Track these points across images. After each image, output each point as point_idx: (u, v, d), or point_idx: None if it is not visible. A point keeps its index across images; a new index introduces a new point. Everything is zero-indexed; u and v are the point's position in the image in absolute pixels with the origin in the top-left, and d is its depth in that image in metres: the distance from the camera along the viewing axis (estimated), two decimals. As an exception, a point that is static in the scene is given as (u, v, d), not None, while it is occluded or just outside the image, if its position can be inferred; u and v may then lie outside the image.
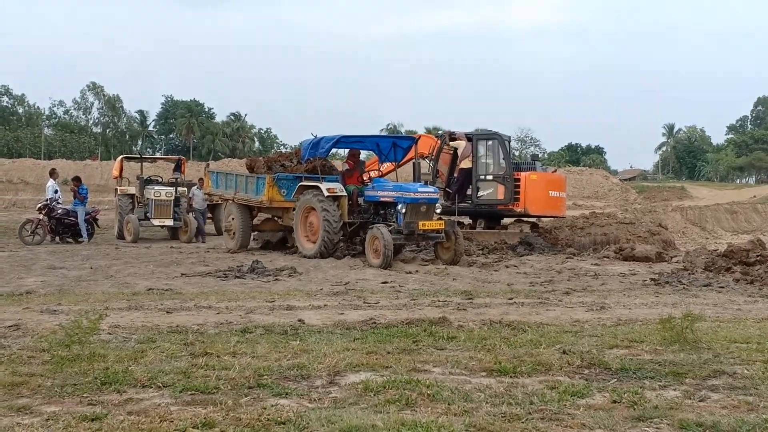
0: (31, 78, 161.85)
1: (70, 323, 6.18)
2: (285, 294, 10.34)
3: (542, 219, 21.23)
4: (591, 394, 5.11)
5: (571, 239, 19.17)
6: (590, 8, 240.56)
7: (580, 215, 22.42)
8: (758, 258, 13.97)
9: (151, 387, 5.10)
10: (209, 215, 23.05)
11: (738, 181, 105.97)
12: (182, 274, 12.81)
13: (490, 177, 19.96)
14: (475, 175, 20.06)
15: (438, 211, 15.29)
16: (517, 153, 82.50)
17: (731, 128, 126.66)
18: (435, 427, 4.23)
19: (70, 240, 19.87)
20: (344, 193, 15.70)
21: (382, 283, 11.97)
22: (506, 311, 8.98)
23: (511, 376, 5.57)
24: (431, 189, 15.63)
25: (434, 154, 20.79)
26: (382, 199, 15.41)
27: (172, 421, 4.32)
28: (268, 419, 4.37)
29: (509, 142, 21.07)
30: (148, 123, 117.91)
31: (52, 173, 21.31)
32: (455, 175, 20.69)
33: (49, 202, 19.66)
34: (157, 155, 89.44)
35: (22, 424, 4.27)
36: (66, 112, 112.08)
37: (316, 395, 4.98)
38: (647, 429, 4.40)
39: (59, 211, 19.75)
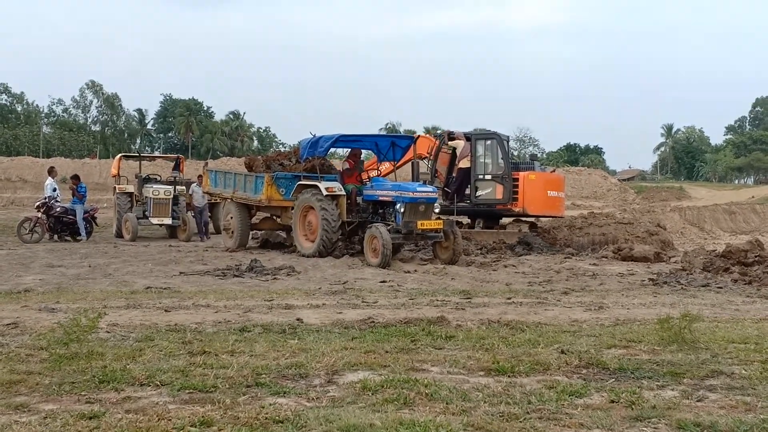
0: (31, 76, 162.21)
1: (69, 321, 6.18)
2: (283, 293, 10.34)
3: (541, 219, 21.26)
4: (589, 393, 5.11)
5: (570, 239, 19.19)
6: (590, 8, 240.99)
7: (579, 215, 22.46)
8: (756, 258, 13.98)
9: (149, 385, 5.10)
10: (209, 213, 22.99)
11: (736, 181, 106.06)
12: (181, 273, 12.81)
13: (488, 177, 19.97)
14: (474, 174, 20.07)
15: (437, 210, 15.29)
16: (515, 153, 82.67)
17: (730, 129, 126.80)
18: (433, 426, 4.23)
19: (68, 238, 19.85)
20: (343, 193, 15.70)
21: (381, 282, 11.97)
22: (504, 311, 8.98)
23: (509, 376, 5.57)
24: (430, 188, 15.62)
25: (433, 153, 20.81)
26: (380, 198, 15.41)
27: (170, 420, 4.31)
28: (266, 418, 4.37)
29: (508, 142, 21.09)
30: (146, 121, 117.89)
31: (51, 171, 21.27)
32: (454, 174, 20.70)
33: (47, 200, 19.64)
34: (156, 154, 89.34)
35: (20, 422, 4.27)
36: (65, 110, 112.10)
37: (315, 394, 4.98)
38: (645, 429, 4.41)
39: (58, 209, 19.73)
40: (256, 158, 19.95)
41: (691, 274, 13.76)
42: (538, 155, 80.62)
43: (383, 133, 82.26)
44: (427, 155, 20.74)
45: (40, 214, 19.55)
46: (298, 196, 16.30)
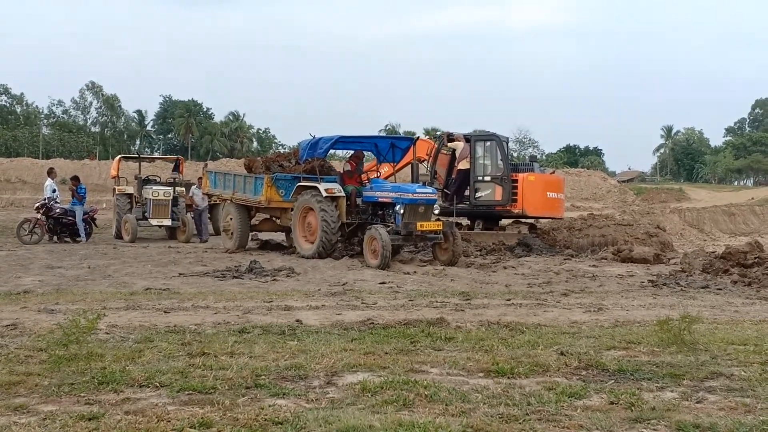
0: (31, 77, 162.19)
1: (68, 323, 6.18)
2: (283, 294, 10.33)
3: (540, 220, 21.24)
4: (588, 395, 5.11)
5: (569, 241, 19.18)
6: (590, 9, 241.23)
7: (578, 217, 22.44)
8: (756, 260, 13.99)
9: (149, 387, 5.10)
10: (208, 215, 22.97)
11: (736, 183, 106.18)
12: (180, 274, 12.80)
13: (488, 178, 19.97)
14: (473, 176, 20.06)
15: (436, 211, 15.30)
16: (515, 154, 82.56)
17: (729, 130, 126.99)
18: (432, 427, 4.23)
19: (68, 239, 19.84)
20: (342, 194, 15.70)
21: (380, 283, 11.96)
22: (504, 312, 8.98)
23: (508, 377, 5.57)
24: (429, 190, 15.63)
25: (432, 155, 20.81)
26: (380, 199, 15.42)
27: (169, 421, 4.32)
28: (265, 419, 4.37)
29: (507, 143, 21.08)
30: (146, 123, 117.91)
31: (50, 173, 21.27)
32: (453, 176, 20.70)
33: (47, 201, 19.64)
34: (156, 155, 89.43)
35: (19, 423, 4.27)
36: (65, 111, 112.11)
37: (314, 395, 4.98)
38: (644, 430, 4.41)
39: (57, 210, 19.73)
40: (256, 159, 19.94)
41: (691, 275, 13.76)
42: (538, 156, 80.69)
43: (383, 134, 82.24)
44: (427, 158, 20.74)
45: (39, 216, 19.54)
46: (297, 197, 16.30)
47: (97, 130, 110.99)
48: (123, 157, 25.91)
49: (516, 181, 19.64)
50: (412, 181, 16.52)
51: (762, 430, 4.37)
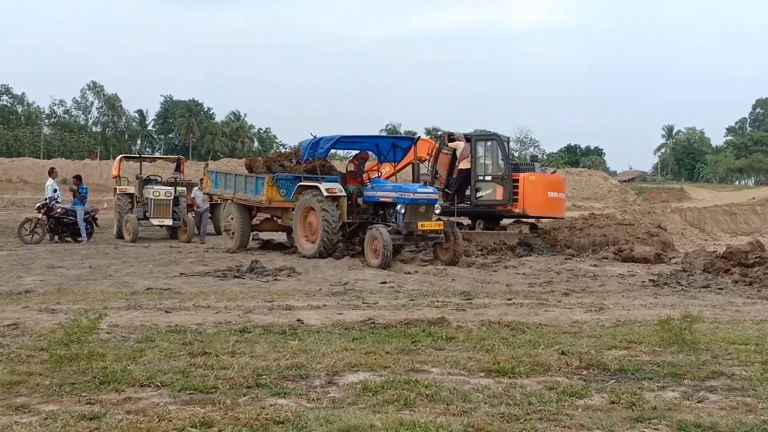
0: (32, 78, 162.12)
1: (69, 322, 6.18)
2: (284, 294, 10.33)
3: (541, 220, 21.24)
4: (589, 394, 5.11)
5: (570, 240, 19.18)
6: (590, 9, 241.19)
7: (579, 216, 22.44)
8: (757, 260, 13.98)
9: (150, 386, 5.10)
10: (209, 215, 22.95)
11: (737, 182, 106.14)
12: (181, 274, 12.81)
13: (488, 178, 19.97)
14: (474, 175, 20.06)
15: (437, 211, 15.29)
16: (516, 154, 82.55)
17: (730, 130, 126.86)
18: (433, 427, 4.23)
19: (69, 239, 19.85)
20: (343, 194, 15.71)
21: (381, 283, 11.97)
22: (505, 312, 8.98)
23: (509, 377, 5.57)
24: (430, 189, 15.63)
25: (433, 155, 20.81)
26: (381, 199, 15.42)
27: (170, 421, 4.32)
28: (266, 419, 4.37)
29: (508, 143, 21.08)
30: (147, 123, 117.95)
31: (51, 172, 21.28)
32: (454, 176, 20.70)
33: (48, 201, 19.65)
34: (157, 155, 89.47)
35: (20, 423, 4.28)
36: (66, 111, 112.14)
37: (315, 395, 4.98)
38: (645, 430, 4.41)
39: (58, 210, 19.74)
40: (257, 159, 19.96)
41: (692, 275, 13.76)
42: (539, 156, 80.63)
43: (384, 134, 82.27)
44: (427, 158, 20.73)
45: (40, 215, 19.56)
46: (298, 197, 16.31)
47: (98, 130, 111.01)
48: (124, 156, 25.91)
49: (517, 180, 19.64)
50: (413, 181, 16.51)
51: (763, 429, 4.36)
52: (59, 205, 19.93)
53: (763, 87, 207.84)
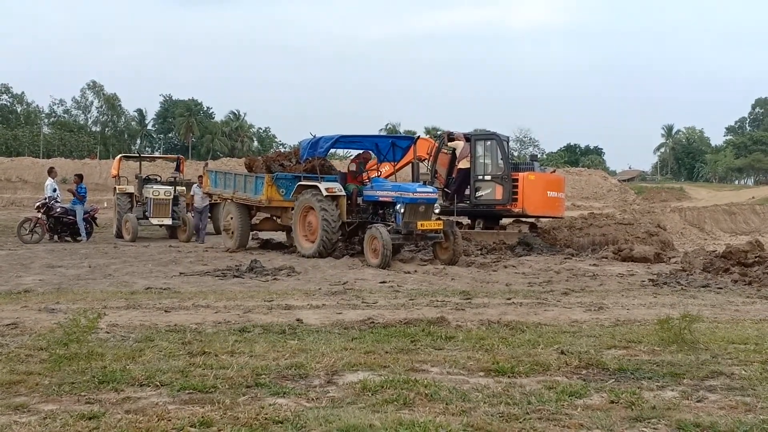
0: (31, 77, 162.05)
1: (69, 322, 6.18)
2: (283, 293, 10.33)
3: (541, 219, 21.24)
4: (589, 394, 5.11)
5: (570, 240, 19.19)
6: (590, 9, 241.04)
7: (579, 216, 22.44)
8: (756, 259, 13.98)
9: (149, 386, 5.10)
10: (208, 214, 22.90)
11: (736, 182, 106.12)
12: (181, 273, 12.81)
13: (488, 177, 19.96)
14: (474, 175, 20.06)
15: (436, 211, 15.29)
16: (515, 153, 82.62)
17: (730, 129, 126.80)
18: (433, 426, 4.24)
19: (68, 239, 19.86)
20: (343, 193, 15.71)
21: (381, 282, 11.97)
22: (504, 311, 8.98)
23: (509, 376, 5.57)
24: (430, 189, 15.62)
25: (432, 154, 20.80)
26: (380, 198, 15.42)
27: (169, 420, 4.32)
28: (265, 418, 4.37)
29: (507, 143, 21.07)
30: (146, 122, 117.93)
31: (51, 172, 21.28)
32: (453, 175, 20.69)
33: (47, 200, 19.65)
34: (156, 154, 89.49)
35: (19, 423, 4.28)
36: (66, 111, 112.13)
37: (314, 394, 4.98)
38: (645, 429, 4.41)
39: (58, 209, 19.74)
40: (257, 159, 19.94)
41: (691, 274, 13.76)
42: (538, 156, 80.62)
43: (383, 133, 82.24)
44: (427, 157, 20.73)
45: (40, 215, 19.56)
46: (298, 196, 16.30)
47: (98, 129, 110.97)
48: (124, 156, 25.91)
49: (516, 180, 19.64)
50: (413, 181, 16.51)
51: (762, 429, 4.37)
52: (59, 204, 19.93)
53: (762, 86, 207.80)
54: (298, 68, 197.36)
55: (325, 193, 15.51)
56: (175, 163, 25.73)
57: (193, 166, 46.96)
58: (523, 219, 20.83)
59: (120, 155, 26.32)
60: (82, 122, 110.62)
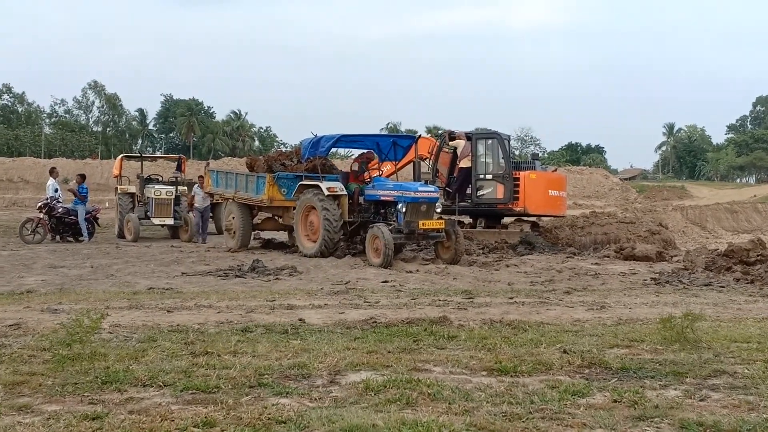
0: (32, 77, 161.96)
1: (71, 322, 6.17)
2: (285, 293, 10.34)
3: (542, 218, 21.23)
4: (591, 393, 5.11)
5: (572, 239, 19.18)
6: (589, 9, 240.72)
7: (581, 215, 22.41)
8: (758, 257, 13.97)
9: (152, 386, 5.11)
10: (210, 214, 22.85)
11: (738, 180, 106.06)
12: (183, 273, 12.82)
13: (489, 176, 19.95)
14: (475, 174, 20.05)
15: (438, 210, 15.29)
16: (517, 152, 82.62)
17: (731, 128, 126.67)
18: (436, 426, 4.23)
19: (70, 239, 19.88)
20: (344, 192, 15.72)
21: (383, 282, 11.97)
22: (507, 310, 8.98)
23: (511, 376, 5.57)
24: (431, 188, 15.62)
25: (434, 153, 20.81)
26: (382, 198, 15.42)
27: (172, 420, 4.32)
28: (268, 418, 4.37)
29: (509, 142, 21.07)
30: (148, 122, 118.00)
31: (52, 172, 21.31)
32: (455, 174, 20.69)
33: (49, 201, 19.67)
34: (158, 154, 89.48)
35: (23, 423, 4.28)
36: (67, 111, 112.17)
37: (317, 394, 4.98)
38: (648, 428, 4.40)
39: (60, 210, 19.76)
40: (258, 158, 19.95)
41: (693, 273, 13.75)
42: (540, 154, 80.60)
43: (385, 132, 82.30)
44: (428, 156, 20.74)
45: (42, 215, 19.58)
46: (299, 196, 16.31)
47: (99, 129, 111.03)
48: (125, 156, 25.95)
49: (518, 179, 19.63)
50: (414, 180, 16.51)
51: (765, 427, 4.36)
52: (60, 204, 19.95)
53: (763, 84, 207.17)
54: (298, 68, 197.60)
55: (326, 192, 15.51)
56: (176, 162, 25.74)
57: (194, 166, 47.00)
58: (525, 218, 20.81)
59: (121, 155, 26.34)
60: (83, 122, 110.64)
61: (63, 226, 19.90)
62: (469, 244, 17.43)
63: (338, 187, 15.74)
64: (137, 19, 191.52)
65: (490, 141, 20.31)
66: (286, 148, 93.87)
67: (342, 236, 15.66)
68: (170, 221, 21.76)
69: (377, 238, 14.33)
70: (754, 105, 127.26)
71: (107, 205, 32.63)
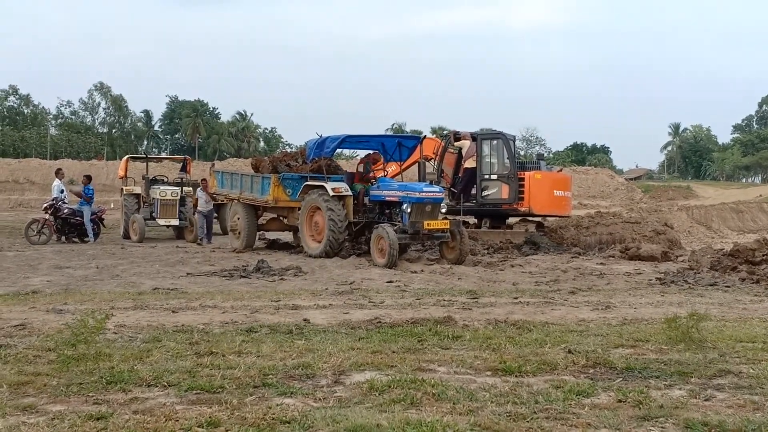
0: (39, 78, 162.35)
1: (76, 322, 6.19)
2: (290, 293, 10.34)
3: (548, 218, 21.21)
4: (596, 393, 5.10)
5: (577, 239, 19.16)
6: (589, 9, 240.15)
7: (586, 215, 22.37)
8: (764, 257, 13.92)
9: (157, 386, 5.11)
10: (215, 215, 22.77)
11: (744, 180, 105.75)
12: (188, 274, 12.83)
13: (494, 176, 19.95)
14: (480, 174, 20.05)
15: (443, 210, 15.29)
16: (522, 152, 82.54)
17: (737, 127, 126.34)
18: (440, 426, 4.23)
19: (76, 240, 19.92)
20: (349, 193, 15.72)
21: (388, 282, 11.96)
22: (511, 310, 8.97)
23: (516, 376, 5.56)
24: (436, 188, 15.63)
25: (439, 154, 20.81)
26: (387, 198, 15.42)
27: (177, 420, 4.32)
28: (273, 418, 4.37)
29: (514, 142, 21.05)
30: (153, 123, 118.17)
31: (58, 173, 21.37)
32: (460, 174, 20.69)
33: (54, 201, 19.71)
34: (163, 155, 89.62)
35: (27, 423, 4.29)
36: (73, 112, 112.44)
37: (321, 394, 4.98)
38: (652, 428, 4.39)
39: (65, 210, 19.81)
40: (263, 159, 19.97)
41: (699, 273, 13.72)
42: (545, 155, 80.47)
43: (390, 133, 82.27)
44: (433, 156, 20.74)
45: (47, 216, 19.62)
46: (304, 196, 16.32)
47: (105, 130, 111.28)
48: (131, 157, 26.01)
49: (523, 179, 19.62)
50: (419, 180, 16.50)
51: (771, 427, 4.35)
52: (66, 205, 20.00)
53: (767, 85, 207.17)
54: (298, 68, 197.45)
55: (331, 193, 15.51)
56: (181, 163, 25.75)
57: (199, 167, 47.04)
58: (530, 218, 20.81)
59: (127, 156, 26.42)
60: (89, 124, 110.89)
61: (68, 227, 19.94)
62: (474, 244, 17.42)
63: (343, 187, 15.74)
64: (138, 20, 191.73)
65: (495, 141, 20.30)
66: (291, 148, 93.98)
67: (347, 236, 15.67)
68: (175, 222, 21.81)
69: (382, 238, 14.33)
70: (760, 105, 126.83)
71: (112, 206, 32.76)
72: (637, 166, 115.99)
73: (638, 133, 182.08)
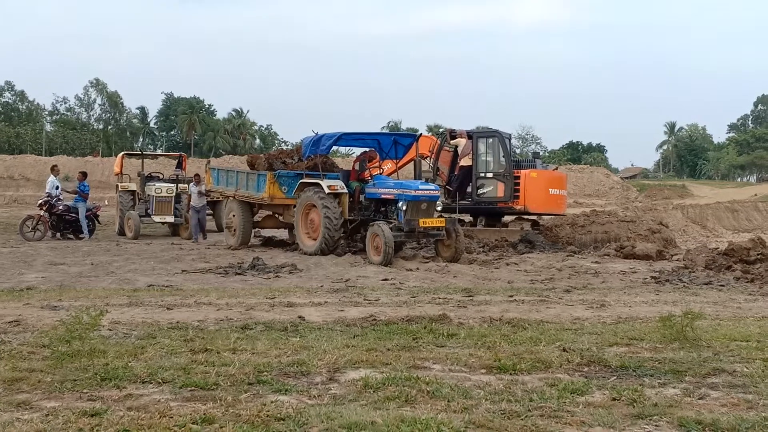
0: (35, 75, 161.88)
1: (71, 319, 6.18)
2: (285, 291, 10.34)
3: (543, 217, 21.23)
4: (590, 391, 5.11)
5: (572, 237, 19.17)
6: (590, 8, 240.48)
7: (581, 213, 22.39)
8: (759, 256, 13.96)
9: (151, 383, 5.11)
10: (209, 212, 22.77)
11: (739, 179, 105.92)
12: (183, 271, 12.82)
13: (490, 175, 19.96)
14: (476, 172, 20.06)
15: (439, 208, 15.30)
16: (518, 151, 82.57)
17: (732, 127, 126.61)
18: (434, 423, 4.23)
19: (71, 236, 19.89)
20: (345, 191, 15.72)
21: (383, 280, 11.97)
22: (506, 309, 8.98)
23: (510, 374, 5.57)
24: (432, 186, 15.64)
25: (434, 152, 20.81)
26: (383, 196, 15.43)
27: (171, 417, 4.32)
28: (267, 415, 4.37)
29: (509, 140, 21.07)
30: (148, 120, 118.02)
31: (53, 169, 21.33)
32: (456, 172, 20.70)
33: (49, 198, 19.67)
34: (158, 152, 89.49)
35: (21, 419, 4.28)
36: (69, 109, 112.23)
37: (316, 392, 4.98)
38: (646, 426, 4.40)
39: (60, 207, 19.77)
40: (259, 156, 19.97)
41: (694, 272, 13.75)
42: (540, 153, 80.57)
43: (386, 131, 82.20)
44: (429, 154, 20.75)
45: (42, 212, 19.58)
46: (300, 194, 16.32)
47: (100, 127, 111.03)
48: (126, 154, 25.99)
49: (518, 177, 19.64)
50: (415, 178, 16.50)
51: (764, 426, 4.36)
52: (61, 202, 19.96)
53: (765, 83, 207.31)
54: (295, 66, 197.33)
55: (327, 190, 15.51)
56: (177, 160, 25.75)
57: (195, 164, 46.95)
58: (525, 216, 20.81)
59: (122, 153, 26.39)
60: (84, 120, 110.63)
61: (63, 223, 19.91)
62: (470, 242, 17.43)
63: (339, 185, 15.74)
64: (134, 16, 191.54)
65: (490, 139, 20.31)
66: (287, 146, 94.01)
67: (342, 234, 15.67)
68: (171, 219, 21.78)
69: (377, 236, 14.33)
70: (755, 104, 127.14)
71: (107, 202, 32.66)
72: (632, 165, 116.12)
73: (634, 131, 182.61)
